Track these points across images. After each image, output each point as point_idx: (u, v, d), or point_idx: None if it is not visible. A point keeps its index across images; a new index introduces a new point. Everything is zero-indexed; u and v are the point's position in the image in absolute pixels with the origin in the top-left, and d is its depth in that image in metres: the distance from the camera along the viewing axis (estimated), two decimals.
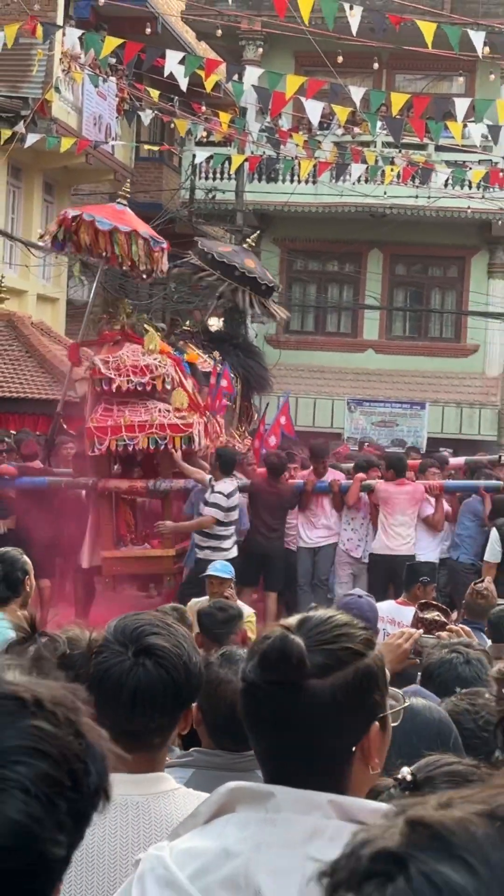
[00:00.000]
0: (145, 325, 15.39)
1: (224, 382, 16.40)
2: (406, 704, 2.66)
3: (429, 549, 13.89)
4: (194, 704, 2.91)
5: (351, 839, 0.91)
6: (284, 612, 13.31)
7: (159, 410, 13.90)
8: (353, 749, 1.98)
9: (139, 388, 13.90)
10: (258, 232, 19.42)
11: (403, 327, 28.48)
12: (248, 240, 18.71)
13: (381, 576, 13.31)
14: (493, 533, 12.49)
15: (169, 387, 14.02)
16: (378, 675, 2.04)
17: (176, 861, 1.90)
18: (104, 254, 14.61)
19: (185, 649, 2.89)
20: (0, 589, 6.01)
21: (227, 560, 11.27)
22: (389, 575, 12.92)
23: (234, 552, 12.95)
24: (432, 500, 14.06)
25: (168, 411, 13.92)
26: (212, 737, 3.74)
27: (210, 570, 9.87)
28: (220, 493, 12.99)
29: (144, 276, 15.74)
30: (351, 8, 15.42)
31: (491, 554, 12.37)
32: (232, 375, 16.46)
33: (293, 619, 2.03)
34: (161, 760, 2.85)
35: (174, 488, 13.86)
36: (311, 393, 27.10)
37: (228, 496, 13.03)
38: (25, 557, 6.20)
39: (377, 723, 2.01)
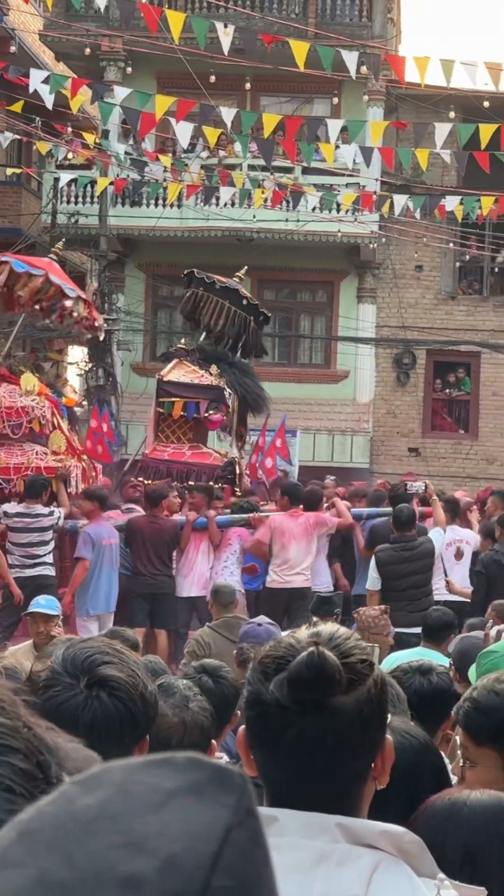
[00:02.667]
0: (21, 367, 15.32)
1: (105, 427, 16.36)
2: None
3: (326, 578, 13.99)
4: None
5: None
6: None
7: (36, 453, 13.84)
8: (372, 765, 1.95)
9: (15, 431, 13.85)
10: (246, 268, 19.39)
11: (273, 353, 28.54)
12: (237, 274, 18.70)
13: (277, 608, 13.14)
14: (372, 560, 12.56)
15: (47, 430, 13.99)
16: (387, 686, 2.01)
17: None
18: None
19: (139, 678, 2.81)
20: None
21: None
22: (285, 607, 12.94)
23: None
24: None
25: (45, 454, 13.85)
26: None
27: (33, 607, 9.12)
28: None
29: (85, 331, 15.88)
30: (225, 26, 15.47)
31: (370, 582, 12.42)
32: (228, 393, 16.45)
33: (307, 632, 1.98)
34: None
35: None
36: None
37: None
38: None
39: (389, 737, 1.99)
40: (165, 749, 3.06)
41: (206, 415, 16.36)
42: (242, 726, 2.01)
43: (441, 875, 1.90)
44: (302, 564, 13.65)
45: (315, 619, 8.82)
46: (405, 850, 1.88)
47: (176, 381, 16.55)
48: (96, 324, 15.74)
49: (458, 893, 1.91)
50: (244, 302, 17.61)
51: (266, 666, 1.95)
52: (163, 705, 3.65)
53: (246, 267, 19.63)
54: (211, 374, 16.75)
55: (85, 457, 14.79)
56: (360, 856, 1.84)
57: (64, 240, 20.10)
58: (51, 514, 13.18)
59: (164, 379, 16.70)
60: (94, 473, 14.99)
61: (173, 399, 16.34)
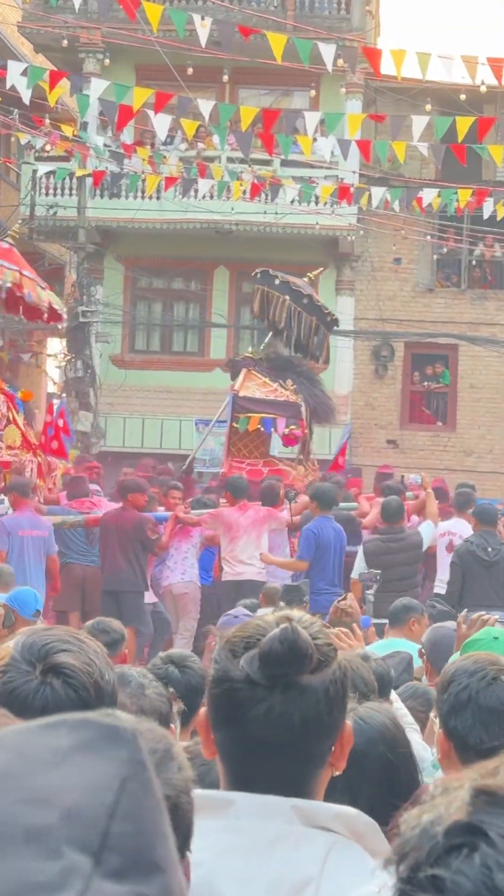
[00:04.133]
0: None
1: (61, 422, 16.21)
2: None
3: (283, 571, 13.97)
4: None
5: (414, 821, 0.93)
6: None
7: None
8: (332, 748, 1.97)
9: None
10: (321, 269, 19.25)
11: (251, 346, 28.57)
12: (309, 274, 18.58)
13: (229, 600, 13.00)
14: (360, 550, 12.63)
15: (1, 425, 13.88)
16: (348, 672, 2.03)
17: None
18: None
19: (96, 667, 2.80)
20: None
21: None
22: (236, 599, 12.90)
23: None
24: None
25: (0, 448, 13.77)
26: None
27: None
28: None
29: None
30: (203, 18, 15.45)
31: (357, 571, 12.48)
32: (300, 404, 16.39)
33: (275, 616, 2.00)
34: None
35: None
36: (157, 414, 27.07)
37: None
38: None
39: (348, 722, 2.00)
40: None
41: (287, 431, 16.30)
42: (203, 709, 2.03)
43: None
44: (253, 556, 13.57)
45: (282, 604, 8.84)
46: (359, 831, 1.92)
47: (252, 397, 16.43)
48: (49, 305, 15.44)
49: None
50: (304, 301, 17.57)
51: (234, 645, 1.97)
52: (120, 695, 3.64)
53: (322, 268, 19.37)
54: (286, 389, 16.65)
55: (41, 452, 14.64)
56: (315, 838, 1.87)
57: (21, 221, 19.98)
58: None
59: (240, 394, 16.54)
60: (49, 468, 14.83)
61: (249, 415, 16.22)
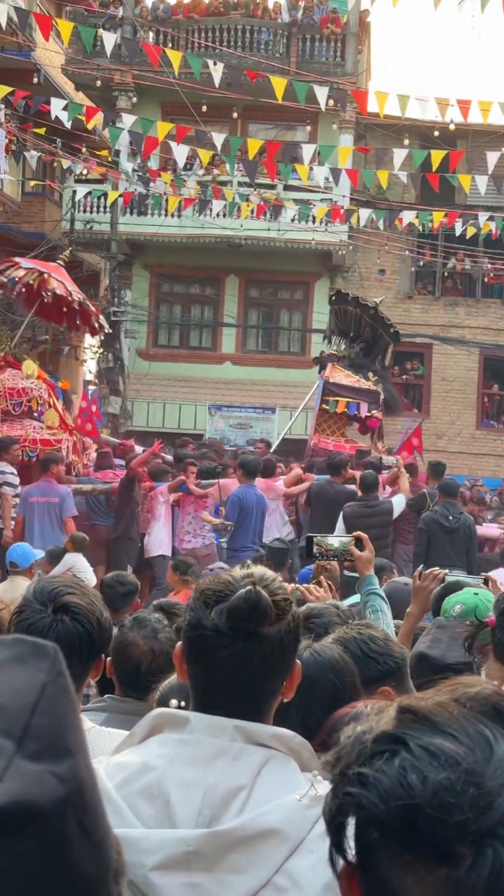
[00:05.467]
0: (24, 354, 15.32)
1: (94, 408, 16.19)
2: None
3: (275, 533, 13.95)
4: (108, 658, 2.90)
5: (350, 731, 1.00)
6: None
7: (33, 427, 13.87)
8: (283, 684, 2.02)
9: (16, 409, 13.86)
10: (382, 298, 19.48)
11: (256, 342, 28.64)
12: (375, 300, 18.76)
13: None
14: (340, 514, 12.60)
15: (43, 409, 13.99)
16: (301, 620, 2.08)
17: (108, 772, 1.92)
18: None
19: (96, 606, 2.89)
20: None
21: None
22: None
23: None
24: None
25: (41, 428, 13.87)
26: (120, 688, 3.75)
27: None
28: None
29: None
30: (214, 64, 15.44)
31: (337, 533, 12.45)
32: (380, 392, 16.50)
33: (241, 572, 2.03)
34: (77, 703, 2.82)
35: None
36: (176, 399, 27.13)
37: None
38: None
39: (298, 661, 2.05)
40: (138, 672, 3.10)
41: (369, 415, 16.32)
42: (179, 643, 2.06)
43: (316, 771, 1.94)
44: None
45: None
46: (294, 749, 1.94)
47: (340, 384, 16.48)
48: (97, 322, 15.50)
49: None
50: (371, 311, 17.72)
51: (207, 597, 1.99)
52: (135, 635, 3.71)
53: (382, 298, 19.63)
54: (369, 380, 16.71)
55: (76, 432, 14.75)
56: (253, 753, 1.90)
57: (70, 249, 20.08)
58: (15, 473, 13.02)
59: (331, 381, 16.58)
60: (83, 446, 14.95)
61: (337, 398, 16.27)
